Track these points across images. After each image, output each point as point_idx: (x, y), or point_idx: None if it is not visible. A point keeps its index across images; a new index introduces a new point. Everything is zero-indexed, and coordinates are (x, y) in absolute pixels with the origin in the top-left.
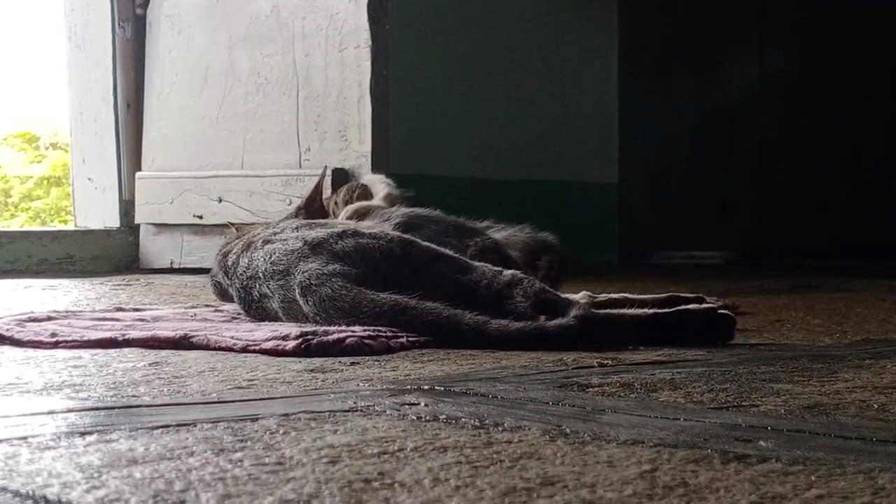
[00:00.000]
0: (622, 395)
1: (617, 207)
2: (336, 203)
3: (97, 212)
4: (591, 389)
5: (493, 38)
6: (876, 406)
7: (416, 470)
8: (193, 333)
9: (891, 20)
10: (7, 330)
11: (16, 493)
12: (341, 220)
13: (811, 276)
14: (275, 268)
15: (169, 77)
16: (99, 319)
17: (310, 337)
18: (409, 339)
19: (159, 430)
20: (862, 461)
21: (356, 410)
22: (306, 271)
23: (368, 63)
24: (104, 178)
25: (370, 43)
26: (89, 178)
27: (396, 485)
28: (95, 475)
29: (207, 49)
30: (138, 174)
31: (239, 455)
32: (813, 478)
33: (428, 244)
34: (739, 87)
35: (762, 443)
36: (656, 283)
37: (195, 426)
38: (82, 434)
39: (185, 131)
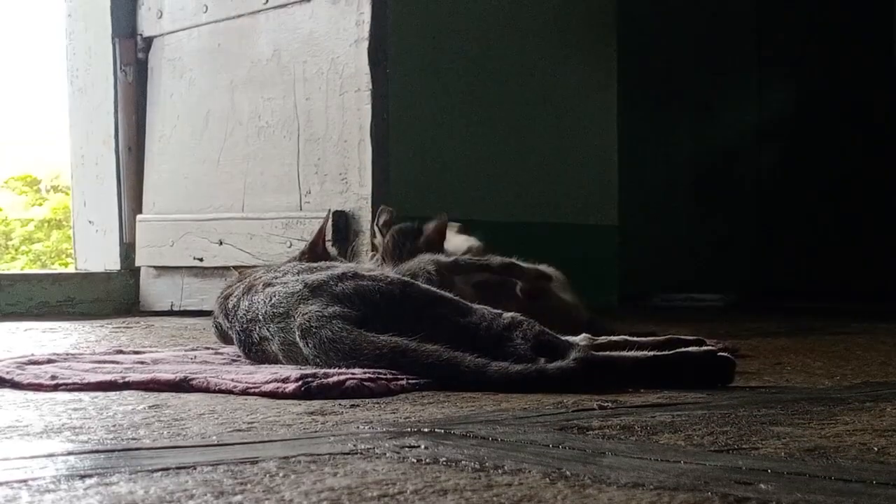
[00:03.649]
0: (622, 437)
1: (617, 249)
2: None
3: (98, 254)
4: (591, 432)
5: (493, 79)
6: (876, 449)
7: None
8: (193, 376)
9: (891, 63)
10: (7, 373)
11: None
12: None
13: (811, 318)
14: (275, 310)
15: (170, 120)
16: (99, 362)
17: (310, 379)
18: (410, 381)
19: (159, 473)
20: None
21: (356, 453)
22: (306, 314)
23: (369, 106)
24: (105, 220)
25: (370, 86)
26: (90, 221)
27: None
28: None
29: (209, 92)
30: (139, 217)
31: (239, 498)
32: None
33: (427, 287)
34: (738, 128)
35: (762, 486)
36: (656, 326)
37: (195, 469)
38: (82, 477)
39: (186, 174)
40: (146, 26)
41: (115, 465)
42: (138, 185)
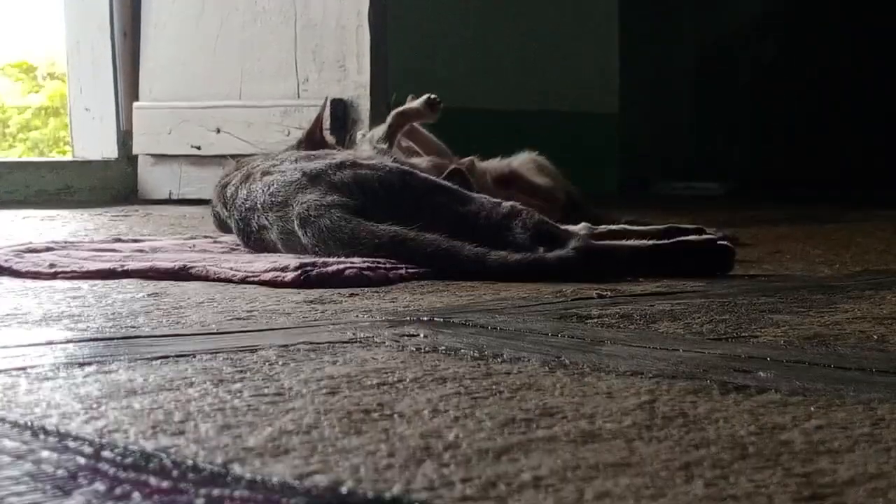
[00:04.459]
0: (621, 326)
1: (617, 138)
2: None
3: (95, 142)
4: (590, 321)
5: None
6: (876, 337)
7: (415, 401)
8: (192, 264)
9: None
10: (6, 261)
11: (14, 424)
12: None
13: (811, 206)
14: (273, 199)
15: (166, 5)
16: (97, 250)
17: (309, 268)
18: (409, 270)
19: (158, 361)
20: (861, 392)
21: (355, 342)
22: (304, 202)
23: None
24: (101, 107)
25: None
26: (86, 109)
27: (396, 415)
28: (94, 406)
29: None
30: (136, 104)
31: (238, 386)
32: (812, 408)
33: (426, 175)
34: (741, 17)
35: (761, 373)
36: (656, 214)
37: (194, 357)
38: (81, 365)
39: (182, 61)
40: None
41: (115, 353)
42: (134, 72)
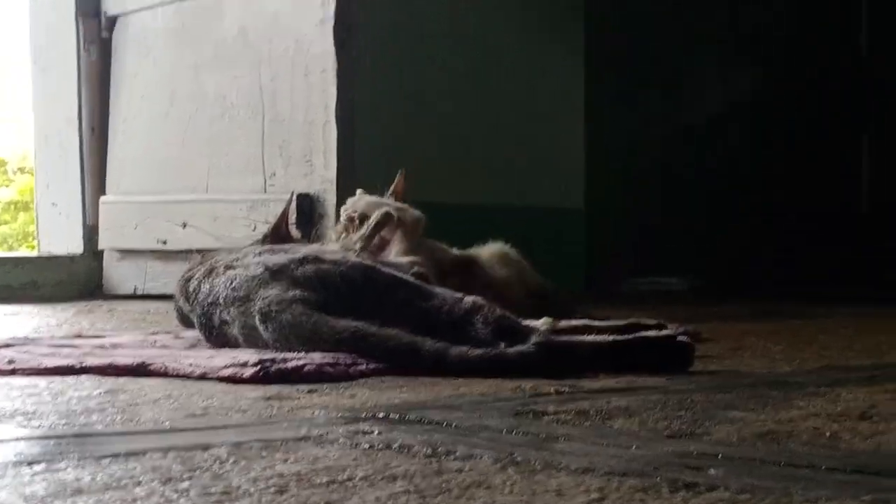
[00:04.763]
0: (577, 422)
1: (584, 233)
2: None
3: (61, 237)
4: (546, 417)
5: (460, 63)
6: (828, 434)
7: (363, 500)
8: (151, 361)
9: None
10: None
11: None
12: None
13: (774, 302)
14: (235, 294)
15: (135, 101)
16: (57, 346)
17: (268, 364)
18: (370, 366)
19: (108, 459)
20: (810, 490)
21: (309, 439)
22: (266, 297)
23: (334, 88)
24: (68, 202)
25: (336, 67)
26: (53, 204)
27: None
28: None
29: (173, 72)
30: (102, 199)
31: (186, 485)
32: None
33: (389, 271)
34: (706, 111)
35: (712, 471)
36: (621, 310)
37: (145, 455)
38: (30, 463)
39: (150, 155)
40: (110, 5)
41: (65, 451)
42: (102, 167)
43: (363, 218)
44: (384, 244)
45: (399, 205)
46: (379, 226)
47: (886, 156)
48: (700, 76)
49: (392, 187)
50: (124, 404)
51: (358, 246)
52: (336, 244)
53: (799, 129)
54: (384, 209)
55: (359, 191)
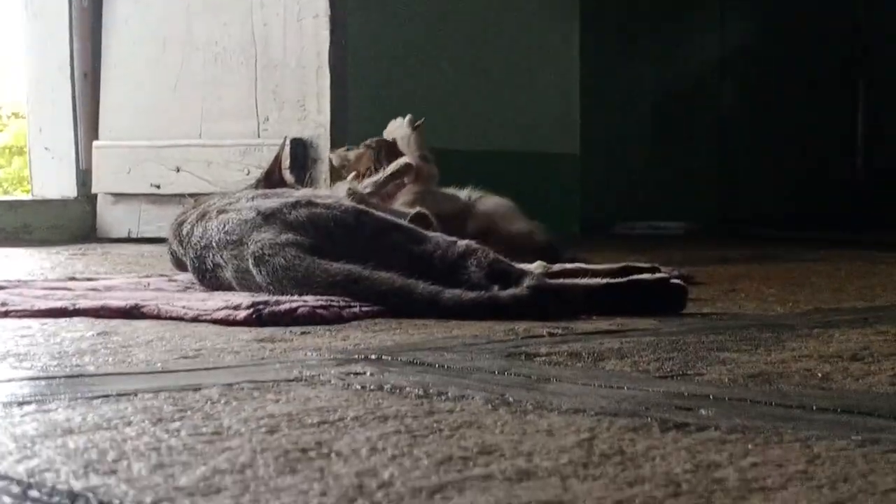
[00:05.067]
0: (569, 364)
1: (579, 179)
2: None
3: (54, 181)
4: (538, 358)
5: (455, 8)
6: (820, 375)
7: (354, 439)
8: (144, 303)
9: None
10: None
11: None
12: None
13: (770, 246)
14: (228, 237)
15: (127, 46)
16: (51, 289)
17: (261, 306)
18: (363, 308)
19: (99, 400)
20: (800, 429)
21: (301, 380)
22: (259, 241)
23: (327, 32)
24: (61, 147)
25: (329, 12)
26: (46, 148)
27: (333, 454)
28: (29, 445)
29: (165, 18)
30: (95, 143)
31: (177, 425)
32: (749, 446)
33: (382, 214)
34: (701, 57)
35: (703, 411)
36: (616, 254)
37: (136, 396)
38: (20, 404)
39: (142, 101)
40: None
41: (56, 392)
42: (94, 112)
43: (380, 147)
44: (394, 192)
45: (422, 154)
46: (396, 175)
47: (882, 103)
48: (696, 22)
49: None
50: (117, 346)
51: (368, 191)
52: (342, 185)
53: (795, 72)
54: (405, 160)
55: (343, 149)
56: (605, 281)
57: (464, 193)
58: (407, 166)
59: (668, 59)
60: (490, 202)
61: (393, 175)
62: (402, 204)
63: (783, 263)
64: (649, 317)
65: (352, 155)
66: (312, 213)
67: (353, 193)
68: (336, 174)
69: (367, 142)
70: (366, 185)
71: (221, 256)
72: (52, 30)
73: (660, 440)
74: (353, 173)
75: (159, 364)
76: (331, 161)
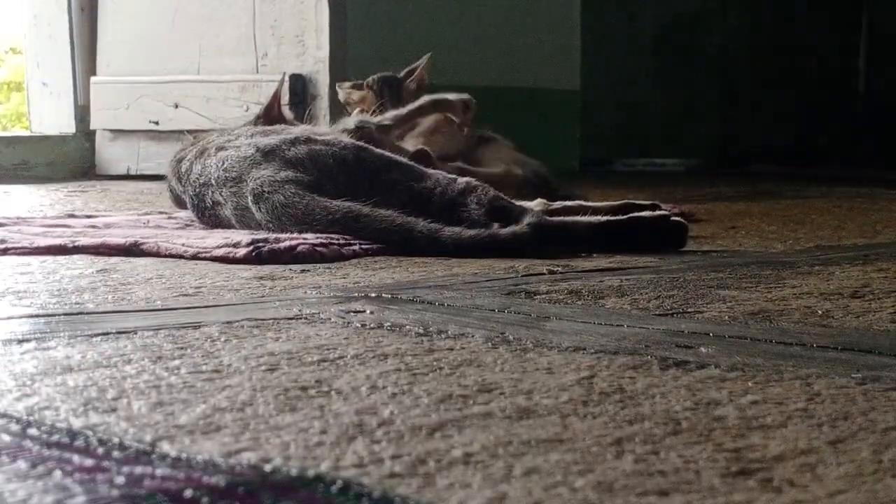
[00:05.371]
0: (569, 302)
1: (579, 114)
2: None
3: (52, 117)
4: (538, 297)
5: None
6: (820, 312)
7: (354, 377)
8: (144, 240)
9: None
10: None
11: None
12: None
13: (771, 183)
14: (227, 175)
15: None
16: (50, 226)
17: (261, 244)
18: (363, 246)
19: (98, 338)
20: (800, 367)
21: (301, 318)
22: (258, 178)
23: None
24: (59, 82)
25: None
26: (44, 83)
27: (333, 392)
28: (28, 383)
29: None
30: (93, 79)
31: (176, 363)
32: (749, 384)
33: (382, 151)
34: None
35: (702, 349)
36: (616, 191)
37: (135, 333)
38: (20, 342)
39: (140, 35)
40: None
41: (55, 330)
42: (92, 47)
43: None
44: (411, 129)
45: (449, 97)
46: (420, 111)
47: (884, 39)
48: None
49: (416, 73)
50: (116, 283)
51: (387, 123)
52: (350, 119)
53: (796, 11)
54: (430, 98)
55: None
56: (605, 218)
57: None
58: (435, 103)
59: None
60: (492, 149)
61: (417, 110)
62: (419, 135)
63: (783, 200)
64: (649, 254)
65: (356, 95)
66: (312, 150)
67: (362, 127)
68: (338, 108)
69: (369, 81)
70: (386, 118)
71: (221, 194)
72: None
73: (659, 378)
74: (359, 108)
75: (159, 302)
76: (337, 94)
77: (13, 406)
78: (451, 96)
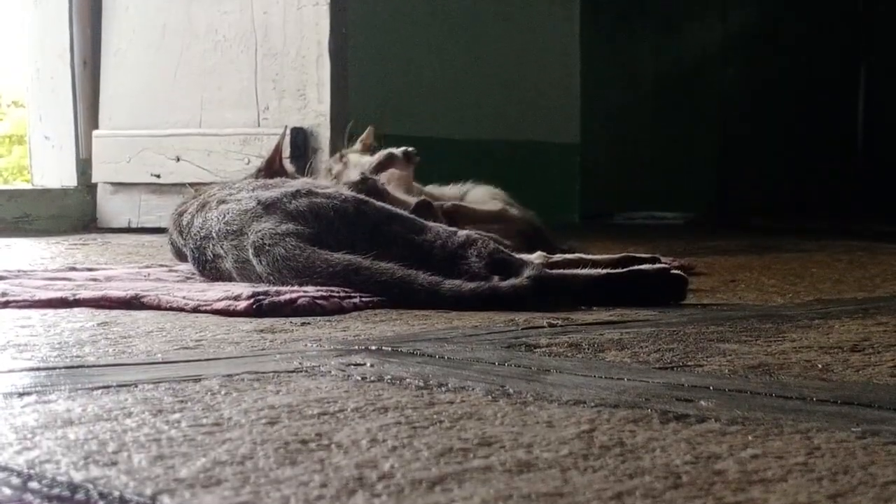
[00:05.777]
0: (569, 355)
1: (579, 168)
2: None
3: (54, 170)
4: (538, 350)
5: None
6: (820, 366)
7: (354, 431)
8: (145, 293)
9: None
10: None
11: None
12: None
13: (769, 236)
14: (228, 228)
15: (126, 34)
16: (51, 279)
17: (261, 297)
18: (363, 299)
19: (99, 391)
20: (800, 421)
21: (301, 371)
22: (259, 231)
23: (327, 21)
24: (61, 136)
25: (329, 0)
26: (46, 137)
27: (333, 445)
28: (29, 436)
29: (165, 5)
30: (95, 132)
31: (177, 416)
32: (750, 437)
33: (383, 204)
34: (702, 44)
35: (703, 402)
36: (616, 244)
37: (136, 387)
38: (21, 395)
39: (142, 89)
40: None
41: (56, 383)
42: (94, 100)
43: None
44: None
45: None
46: (385, 163)
47: (882, 93)
48: (695, 11)
49: (361, 139)
50: (117, 336)
51: (368, 169)
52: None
53: (795, 66)
54: (388, 151)
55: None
56: (605, 271)
57: (458, 188)
58: (403, 153)
59: (669, 46)
60: (479, 192)
61: (386, 159)
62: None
63: (783, 254)
64: (650, 307)
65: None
66: (313, 203)
67: (366, 179)
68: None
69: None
70: (365, 164)
71: (222, 247)
72: (52, 17)
73: (660, 432)
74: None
75: (159, 355)
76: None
77: (14, 459)
78: (396, 151)
